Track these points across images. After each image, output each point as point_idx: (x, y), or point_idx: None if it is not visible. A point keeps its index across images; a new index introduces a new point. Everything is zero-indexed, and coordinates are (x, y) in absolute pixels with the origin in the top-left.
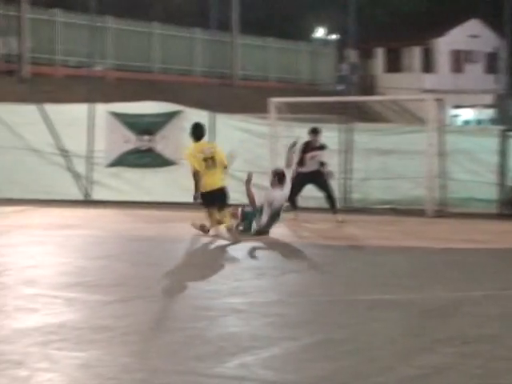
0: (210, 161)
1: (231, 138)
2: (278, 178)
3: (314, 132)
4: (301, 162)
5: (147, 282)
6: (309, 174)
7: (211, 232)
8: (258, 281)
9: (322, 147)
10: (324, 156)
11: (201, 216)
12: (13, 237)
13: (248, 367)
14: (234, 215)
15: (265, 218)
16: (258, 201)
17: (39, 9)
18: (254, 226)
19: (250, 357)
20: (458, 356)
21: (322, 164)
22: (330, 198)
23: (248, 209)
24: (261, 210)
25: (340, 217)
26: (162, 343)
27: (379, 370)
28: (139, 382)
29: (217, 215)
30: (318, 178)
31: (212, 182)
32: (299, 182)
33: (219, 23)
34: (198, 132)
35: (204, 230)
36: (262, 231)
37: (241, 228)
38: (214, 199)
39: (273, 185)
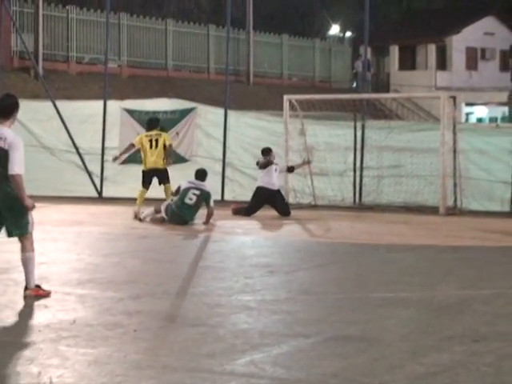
0: (154, 142)
1: (244, 135)
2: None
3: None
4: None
5: (159, 279)
6: (270, 191)
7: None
8: (268, 278)
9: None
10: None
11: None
12: None
13: (258, 364)
14: (157, 210)
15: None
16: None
17: (54, 6)
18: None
19: (259, 354)
20: (468, 354)
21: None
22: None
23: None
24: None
25: None
26: (173, 340)
27: (388, 368)
28: (149, 378)
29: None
30: (278, 196)
31: (153, 162)
32: (260, 196)
33: (233, 20)
34: (150, 124)
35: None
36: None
37: (165, 217)
38: (150, 178)
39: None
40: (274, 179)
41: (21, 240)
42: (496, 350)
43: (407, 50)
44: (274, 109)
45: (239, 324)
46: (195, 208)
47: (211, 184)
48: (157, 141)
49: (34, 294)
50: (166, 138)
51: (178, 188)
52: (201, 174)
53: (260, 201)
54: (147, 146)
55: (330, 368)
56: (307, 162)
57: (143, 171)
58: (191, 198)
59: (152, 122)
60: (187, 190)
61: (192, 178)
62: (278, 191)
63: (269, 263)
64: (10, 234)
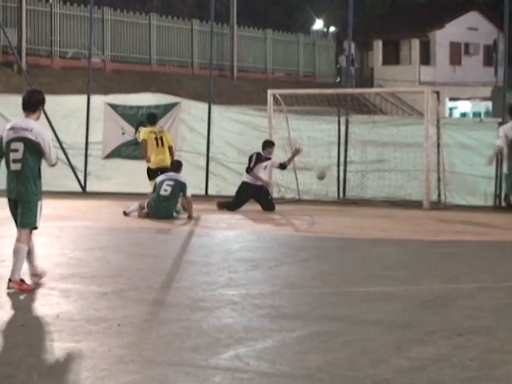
0: (159, 140)
1: (228, 130)
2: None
3: (270, 145)
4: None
5: (142, 274)
6: (254, 186)
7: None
8: (253, 272)
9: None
10: (275, 163)
11: None
12: (9, 228)
13: (242, 359)
14: (141, 207)
15: None
16: None
17: (37, 0)
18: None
19: (244, 348)
20: (452, 348)
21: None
22: (270, 207)
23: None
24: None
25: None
26: (157, 335)
27: (373, 362)
28: (133, 373)
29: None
30: (262, 191)
31: (160, 160)
32: (245, 192)
33: (217, 15)
34: (151, 119)
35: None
36: None
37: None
38: (155, 175)
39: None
40: (246, 177)
41: (21, 231)
42: (480, 343)
43: (391, 44)
44: (258, 103)
45: (223, 318)
46: (173, 199)
47: (196, 179)
48: (161, 138)
49: (17, 287)
50: (168, 136)
51: (155, 184)
52: (175, 166)
53: (245, 196)
54: (154, 143)
55: (315, 362)
56: (297, 152)
57: (149, 168)
58: (166, 190)
59: (153, 117)
60: (162, 182)
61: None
62: (262, 186)
63: (253, 258)
64: (19, 225)
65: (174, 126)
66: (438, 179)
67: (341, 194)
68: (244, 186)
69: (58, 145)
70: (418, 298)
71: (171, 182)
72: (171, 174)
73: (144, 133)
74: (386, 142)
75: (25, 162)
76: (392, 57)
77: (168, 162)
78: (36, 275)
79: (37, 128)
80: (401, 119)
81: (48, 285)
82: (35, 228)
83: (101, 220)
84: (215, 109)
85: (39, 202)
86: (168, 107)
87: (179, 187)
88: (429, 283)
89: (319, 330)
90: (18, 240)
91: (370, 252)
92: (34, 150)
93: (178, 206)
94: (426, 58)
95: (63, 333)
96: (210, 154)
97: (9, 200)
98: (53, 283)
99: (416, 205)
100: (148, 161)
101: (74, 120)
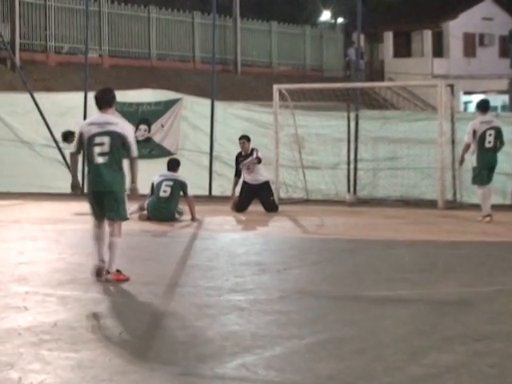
0: None
1: (232, 127)
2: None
3: (242, 139)
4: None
5: (144, 279)
6: (254, 186)
7: None
8: (260, 277)
9: (251, 153)
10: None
11: None
12: (4, 232)
13: (250, 367)
14: (141, 208)
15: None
16: None
17: None
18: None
19: (251, 356)
20: (471, 354)
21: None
22: (272, 208)
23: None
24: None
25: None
26: (160, 343)
27: (387, 370)
28: (135, 383)
29: None
30: (264, 191)
31: None
32: (246, 192)
33: (220, 7)
34: None
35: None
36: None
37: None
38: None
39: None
40: (244, 177)
41: (113, 224)
42: (499, 349)
43: (402, 36)
44: (264, 99)
45: (229, 325)
46: (173, 200)
47: (199, 179)
48: None
49: (115, 278)
50: None
51: (152, 185)
52: (172, 165)
53: (247, 196)
54: None
55: (326, 370)
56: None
57: None
58: (165, 191)
59: None
60: (160, 183)
61: (165, 170)
62: (263, 185)
63: (260, 261)
64: (110, 219)
65: (175, 123)
66: (453, 177)
67: (351, 194)
68: (245, 187)
69: (54, 144)
70: (433, 303)
71: (170, 182)
72: (169, 174)
73: None
74: (398, 138)
75: (112, 155)
76: (403, 49)
77: None
78: (103, 262)
79: (122, 122)
80: (413, 114)
81: (45, 291)
82: (127, 219)
83: None
84: (218, 105)
85: (126, 194)
86: (169, 104)
87: (179, 187)
88: (445, 286)
89: (330, 337)
90: (112, 234)
91: (382, 254)
92: (120, 143)
93: (180, 206)
94: (438, 50)
95: (61, 342)
96: (214, 153)
97: (93, 193)
98: (50, 290)
99: (430, 204)
100: None
101: (71, 118)
